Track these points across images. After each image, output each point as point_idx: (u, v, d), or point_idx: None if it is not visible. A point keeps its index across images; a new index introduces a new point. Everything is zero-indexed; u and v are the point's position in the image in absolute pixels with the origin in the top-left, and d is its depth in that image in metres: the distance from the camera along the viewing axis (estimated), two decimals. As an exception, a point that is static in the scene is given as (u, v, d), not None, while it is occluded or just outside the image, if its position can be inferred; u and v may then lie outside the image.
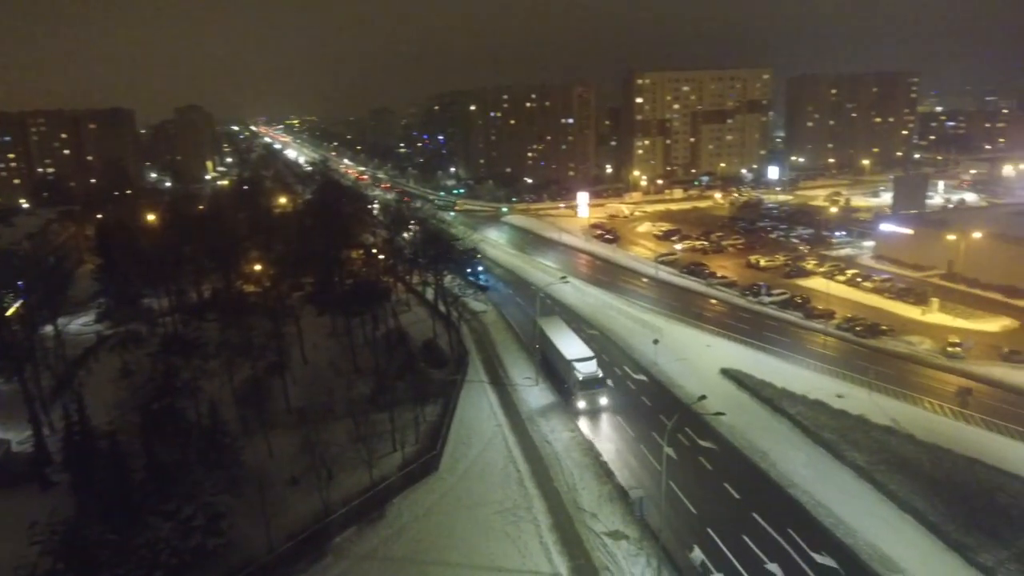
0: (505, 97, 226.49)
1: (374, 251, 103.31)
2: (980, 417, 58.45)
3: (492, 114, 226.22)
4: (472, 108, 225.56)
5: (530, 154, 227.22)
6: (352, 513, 46.81)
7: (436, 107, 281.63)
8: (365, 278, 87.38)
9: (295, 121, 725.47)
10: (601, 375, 62.98)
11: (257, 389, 61.32)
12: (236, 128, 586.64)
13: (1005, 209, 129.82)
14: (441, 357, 75.29)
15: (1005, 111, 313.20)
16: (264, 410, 58.99)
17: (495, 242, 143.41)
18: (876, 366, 69.41)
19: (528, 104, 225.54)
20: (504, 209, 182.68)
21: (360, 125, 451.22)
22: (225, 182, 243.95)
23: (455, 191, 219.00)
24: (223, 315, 77.76)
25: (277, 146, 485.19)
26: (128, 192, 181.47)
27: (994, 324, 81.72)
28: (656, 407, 61.50)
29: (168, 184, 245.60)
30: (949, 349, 71.92)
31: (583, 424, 59.88)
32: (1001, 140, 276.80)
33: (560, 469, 52.53)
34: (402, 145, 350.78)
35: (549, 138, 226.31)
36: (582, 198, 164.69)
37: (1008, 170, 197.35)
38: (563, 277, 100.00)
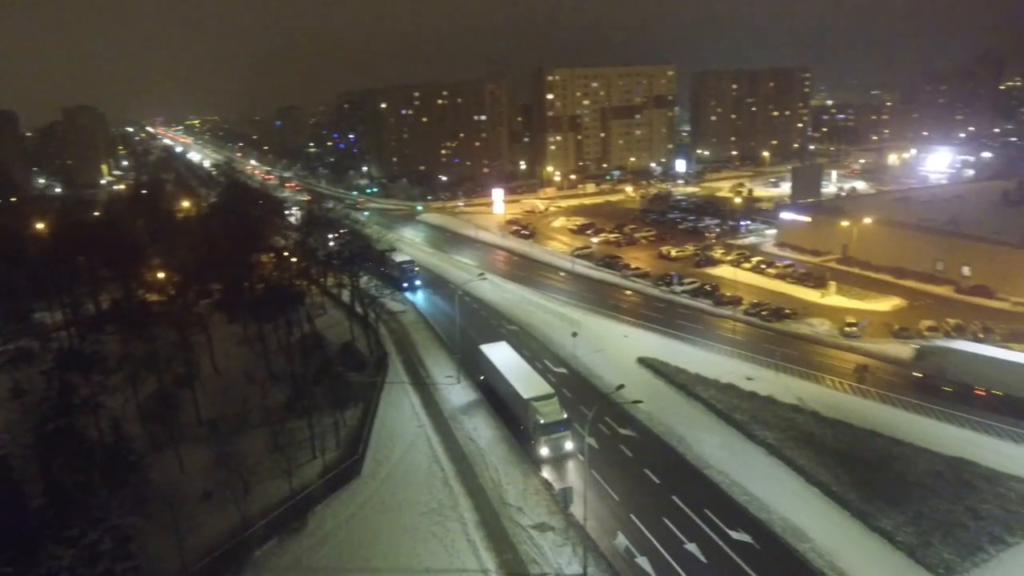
0: (416, 95, 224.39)
1: (286, 254, 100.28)
2: (876, 391, 62.43)
3: (404, 112, 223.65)
4: (383, 106, 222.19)
5: (444, 152, 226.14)
6: (272, 525, 45.29)
7: (346, 105, 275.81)
8: (277, 282, 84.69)
9: (196, 121, 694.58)
10: (565, 415, 53.29)
11: (164, 403, 58.35)
12: (131, 130, 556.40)
13: (891, 196, 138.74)
14: (360, 360, 73.88)
15: (888, 104, 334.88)
16: (172, 424, 56.24)
17: (411, 241, 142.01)
18: (782, 348, 72.78)
19: (440, 101, 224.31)
20: (419, 207, 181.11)
21: (266, 125, 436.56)
22: (122, 186, 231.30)
23: (368, 190, 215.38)
24: (124, 327, 73.55)
25: (178, 148, 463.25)
26: (13, 199, 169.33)
27: (885, 304, 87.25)
28: (577, 398, 62.41)
29: (59, 190, 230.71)
30: (846, 329, 76.28)
31: (505, 420, 60.09)
32: (886, 131, 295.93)
33: (485, 466, 52.55)
34: (312, 144, 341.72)
35: (462, 135, 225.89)
36: (497, 194, 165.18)
37: (893, 159, 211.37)
38: (481, 274, 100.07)
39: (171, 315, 71.34)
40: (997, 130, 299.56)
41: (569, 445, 52.63)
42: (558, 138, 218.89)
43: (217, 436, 53.21)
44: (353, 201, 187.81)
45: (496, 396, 62.51)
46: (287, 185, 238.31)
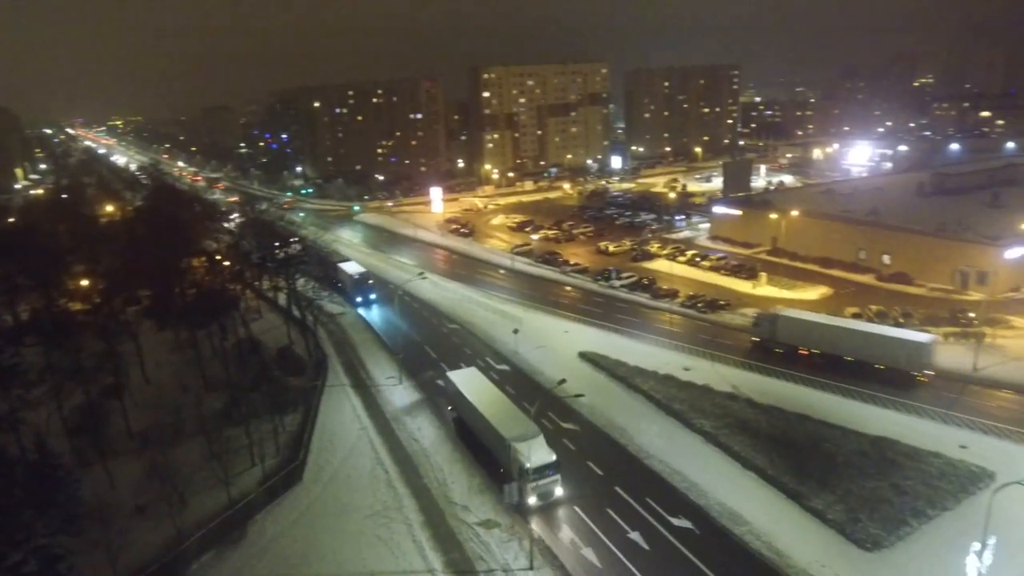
0: (350, 93, 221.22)
1: (218, 258, 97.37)
2: (807, 377, 64.70)
3: (337, 111, 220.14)
4: (316, 105, 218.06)
5: (380, 151, 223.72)
6: (209, 537, 44.01)
7: (278, 104, 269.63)
8: (209, 287, 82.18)
9: (119, 122, 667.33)
10: (554, 457, 46.15)
11: (92, 415, 55.99)
12: (50, 131, 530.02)
13: (816, 188, 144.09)
14: (298, 364, 72.50)
15: (812, 100, 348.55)
16: (101, 437, 54.08)
17: (349, 242, 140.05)
18: (717, 338, 75.14)
19: (375, 100, 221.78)
20: (356, 208, 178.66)
21: (193, 125, 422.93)
22: (40, 191, 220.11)
23: (303, 191, 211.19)
24: (46, 338, 70.08)
25: (101, 150, 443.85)
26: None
27: (813, 293, 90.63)
28: (519, 394, 62.57)
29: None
30: (778, 318, 78.84)
31: (449, 420, 59.97)
32: (810, 127, 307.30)
33: (429, 466, 52.34)
34: (243, 145, 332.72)
35: (399, 134, 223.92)
36: (435, 193, 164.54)
37: (817, 153, 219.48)
38: (421, 273, 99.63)
39: (97, 324, 68.38)
40: (912, 125, 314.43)
41: (559, 491, 46.12)
42: (495, 136, 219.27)
43: (149, 448, 51.31)
44: (286, 201, 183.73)
45: (469, 432, 54.81)
46: (216, 186, 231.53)
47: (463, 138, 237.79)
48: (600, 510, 45.27)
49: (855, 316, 77.95)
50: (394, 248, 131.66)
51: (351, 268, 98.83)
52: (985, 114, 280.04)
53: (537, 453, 45.25)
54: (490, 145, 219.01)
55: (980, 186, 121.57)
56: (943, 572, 37.21)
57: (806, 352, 68.45)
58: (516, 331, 75.20)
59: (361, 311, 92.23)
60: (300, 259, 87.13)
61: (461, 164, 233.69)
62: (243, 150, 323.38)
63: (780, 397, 59.87)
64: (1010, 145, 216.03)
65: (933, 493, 44.39)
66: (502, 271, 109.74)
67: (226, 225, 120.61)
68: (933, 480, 45.79)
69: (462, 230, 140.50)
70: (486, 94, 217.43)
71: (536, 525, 43.03)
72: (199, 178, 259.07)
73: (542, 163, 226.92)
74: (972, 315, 73.31)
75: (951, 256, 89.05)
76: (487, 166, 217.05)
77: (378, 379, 69.52)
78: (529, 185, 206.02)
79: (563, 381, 48.89)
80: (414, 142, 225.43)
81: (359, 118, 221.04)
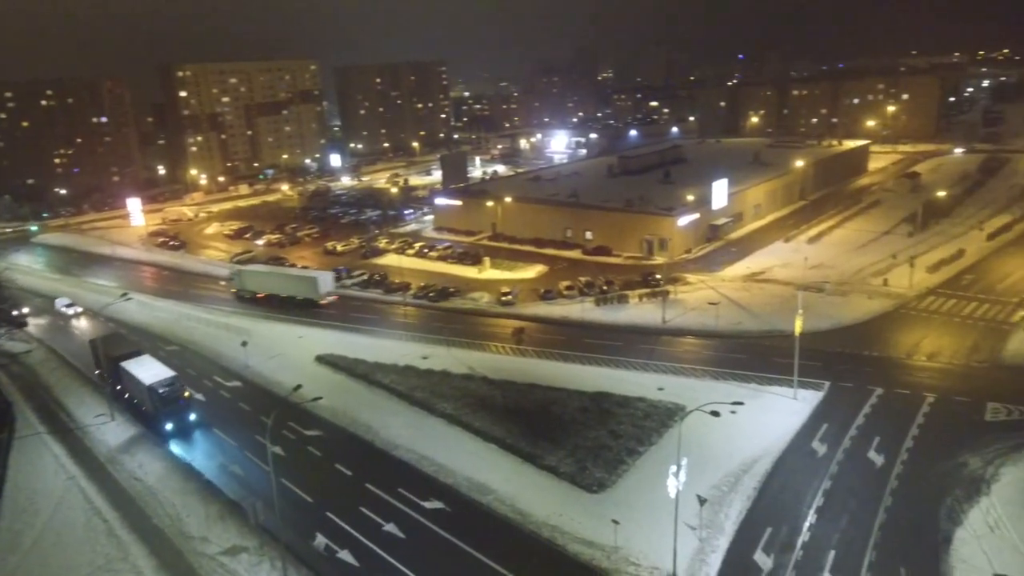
0: (9, 95, 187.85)
1: None
2: (533, 349, 70.45)
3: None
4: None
5: (58, 161, 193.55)
6: None
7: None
8: None
9: None
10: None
11: None
12: None
13: (525, 176, 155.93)
14: (-27, 419, 60.14)
15: (515, 94, 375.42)
16: None
17: (28, 268, 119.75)
18: (450, 324, 78.27)
19: (44, 103, 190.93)
20: (34, 228, 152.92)
21: None
22: None
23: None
24: None
25: None
26: None
27: (532, 271, 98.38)
28: (256, 409, 59.47)
29: None
30: (502, 298, 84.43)
31: (177, 449, 54.84)
32: (516, 119, 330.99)
33: (158, 503, 47.38)
34: None
35: (80, 141, 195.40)
36: (134, 205, 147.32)
37: (524, 143, 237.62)
38: (124, 294, 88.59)
39: None
40: (600, 114, 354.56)
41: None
42: (199, 139, 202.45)
43: None
44: None
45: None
46: None
47: (161, 142, 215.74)
48: (353, 510, 44.90)
49: (568, 288, 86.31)
50: (89, 270, 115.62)
51: (146, 371, 59.16)
52: (654, 103, 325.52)
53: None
54: (194, 149, 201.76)
55: (654, 166, 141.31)
56: (653, 496, 43.21)
57: (262, 295, 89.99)
58: (245, 343, 70.92)
59: (52, 345, 79.19)
60: None
61: (162, 171, 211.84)
62: None
63: (512, 371, 64.34)
64: (674, 130, 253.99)
65: (641, 432, 51.28)
66: (223, 283, 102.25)
67: None
68: (640, 421, 52.86)
69: (172, 243, 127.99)
70: (183, 94, 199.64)
71: (287, 539, 41.36)
72: None
73: (256, 165, 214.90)
74: (658, 276, 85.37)
75: (638, 228, 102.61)
76: (194, 171, 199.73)
77: (84, 419, 60.84)
78: (244, 189, 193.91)
79: (299, 387, 47.26)
80: (101, 149, 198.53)
81: (25, 124, 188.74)
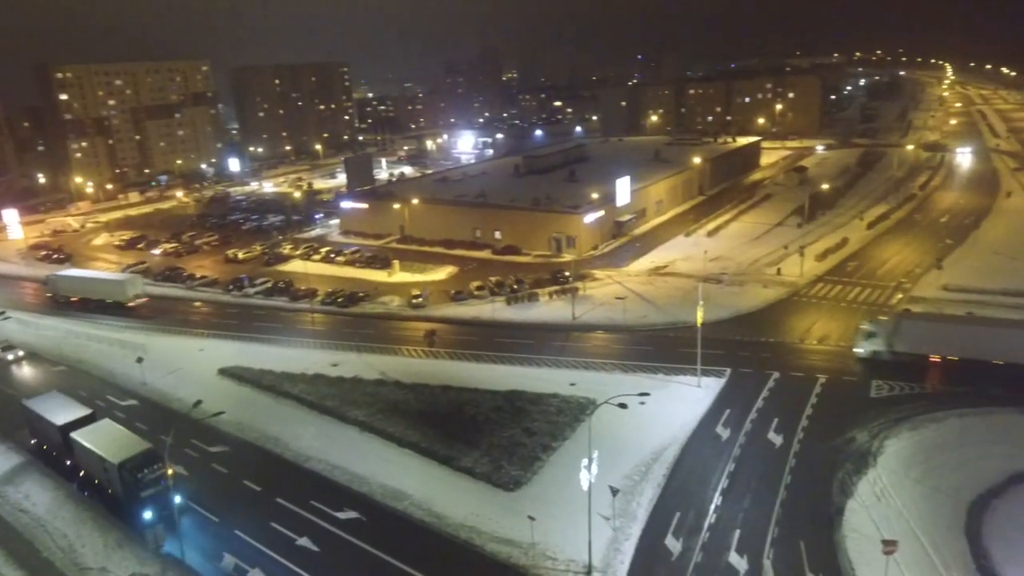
0: None
1: None
2: (445, 351, 70.18)
3: None
4: None
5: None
6: None
7: None
8: None
9: None
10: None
11: None
12: None
13: (433, 177, 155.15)
14: None
15: (420, 95, 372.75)
16: None
17: None
18: (361, 330, 76.96)
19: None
20: None
21: None
22: None
23: None
24: None
25: None
26: None
27: (442, 273, 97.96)
28: (154, 429, 56.21)
29: None
30: (413, 301, 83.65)
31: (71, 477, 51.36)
32: (422, 120, 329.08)
33: (48, 535, 44.29)
34: None
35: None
36: (10, 217, 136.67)
37: (430, 144, 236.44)
38: (2, 313, 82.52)
39: None
40: (506, 114, 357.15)
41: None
42: (83, 144, 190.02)
43: None
44: None
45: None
46: None
47: (41, 149, 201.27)
48: (263, 527, 43.37)
49: (479, 288, 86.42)
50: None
51: (109, 443, 46.20)
52: (558, 103, 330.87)
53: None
54: (78, 155, 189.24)
55: (560, 165, 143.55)
56: (568, 490, 43.88)
57: (76, 299, 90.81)
58: (140, 360, 67.21)
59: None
60: None
61: (43, 179, 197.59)
62: None
63: (424, 374, 63.86)
64: (578, 129, 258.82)
65: (554, 428, 52.02)
66: (38, 286, 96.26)
67: None
68: (553, 417, 53.60)
69: (56, 256, 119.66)
70: (64, 96, 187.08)
71: (192, 562, 39.54)
72: None
73: (148, 171, 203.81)
74: (567, 274, 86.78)
75: (546, 226, 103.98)
76: (79, 179, 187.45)
77: (-40, 451, 56.01)
78: (136, 197, 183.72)
79: (199, 402, 45.26)
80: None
81: None
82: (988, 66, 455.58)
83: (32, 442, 55.22)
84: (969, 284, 77.97)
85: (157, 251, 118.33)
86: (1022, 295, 73.71)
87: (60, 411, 51.70)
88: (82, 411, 51.53)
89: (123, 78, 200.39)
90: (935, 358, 58.52)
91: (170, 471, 42.45)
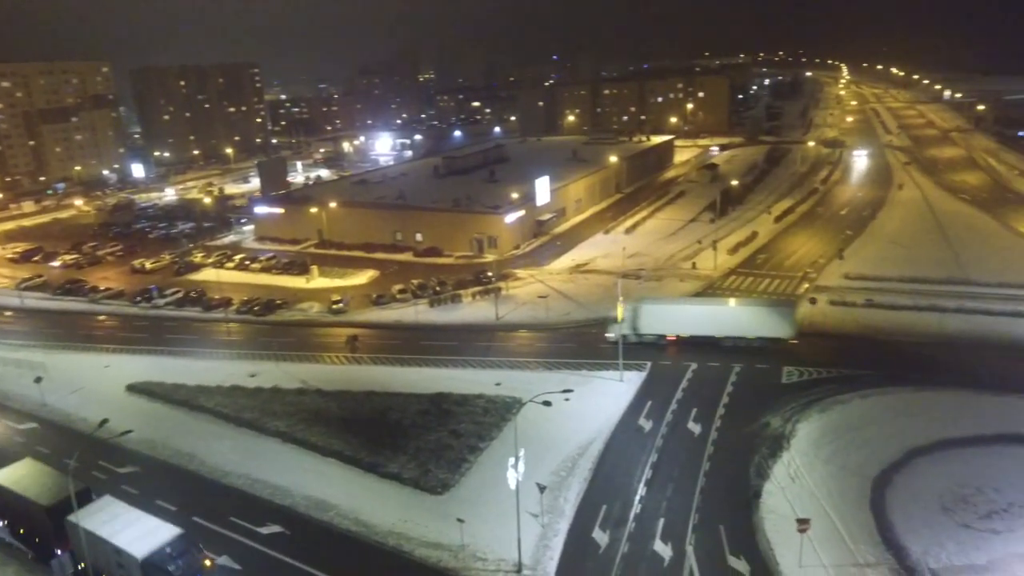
0: None
1: None
2: (367, 356, 69.06)
3: None
4: None
5: None
6: None
7: None
8: None
9: None
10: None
11: None
12: None
13: (350, 180, 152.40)
14: None
15: (335, 96, 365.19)
16: None
17: None
18: (279, 338, 74.84)
19: None
20: None
21: None
22: None
23: None
24: None
25: None
26: None
27: (363, 277, 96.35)
28: (56, 453, 52.91)
29: None
30: (333, 307, 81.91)
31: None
32: (337, 121, 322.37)
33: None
34: None
35: None
36: None
37: (347, 146, 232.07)
38: None
39: None
40: (424, 115, 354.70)
41: None
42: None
43: None
44: None
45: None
46: None
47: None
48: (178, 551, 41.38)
49: (401, 292, 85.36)
50: None
51: (127, 531, 37.28)
52: (476, 104, 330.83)
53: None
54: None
55: (479, 165, 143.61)
56: (496, 490, 43.86)
57: None
58: (39, 379, 62.99)
59: None
60: None
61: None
62: None
63: (347, 380, 62.60)
64: (497, 129, 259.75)
65: (481, 428, 51.96)
66: (8, 313, 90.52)
67: None
68: (480, 418, 53.53)
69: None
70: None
71: (103, 592, 37.42)
72: None
73: (43, 179, 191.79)
74: (490, 274, 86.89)
75: (467, 227, 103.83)
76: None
77: None
78: (30, 206, 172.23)
79: (105, 421, 42.90)
80: None
81: None
82: (879, 66, 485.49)
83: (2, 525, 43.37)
84: (868, 272, 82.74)
85: (55, 263, 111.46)
86: (917, 281, 78.79)
87: (47, 489, 40.65)
88: (73, 488, 37.12)
89: (12, 80, 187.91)
90: (671, 336, 65.87)
91: (207, 562, 37.72)
